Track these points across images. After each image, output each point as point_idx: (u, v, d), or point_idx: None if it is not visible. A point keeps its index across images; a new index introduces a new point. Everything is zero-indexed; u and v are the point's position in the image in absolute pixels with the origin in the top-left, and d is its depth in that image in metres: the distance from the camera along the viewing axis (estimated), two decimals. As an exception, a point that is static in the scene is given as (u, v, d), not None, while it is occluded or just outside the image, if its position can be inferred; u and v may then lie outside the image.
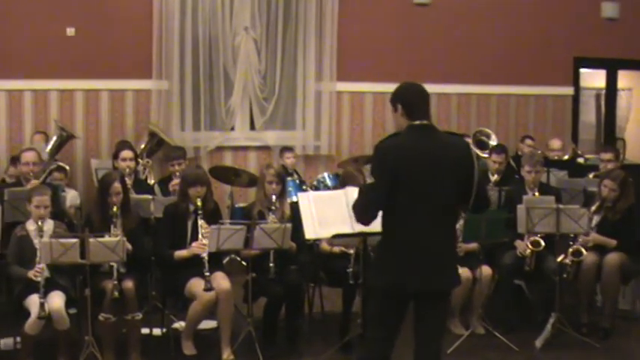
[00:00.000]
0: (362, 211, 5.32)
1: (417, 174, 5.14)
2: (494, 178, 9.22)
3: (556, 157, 10.41)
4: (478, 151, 10.10)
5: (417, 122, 5.21)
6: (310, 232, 6.83)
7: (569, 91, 12.44)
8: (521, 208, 7.68)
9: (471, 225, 7.64)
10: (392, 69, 11.01)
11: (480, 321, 7.96)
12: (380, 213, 5.26)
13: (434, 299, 5.29)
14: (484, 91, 11.99)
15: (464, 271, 7.82)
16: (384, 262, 5.34)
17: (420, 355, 5.39)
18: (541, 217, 7.59)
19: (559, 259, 7.83)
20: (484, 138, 10.55)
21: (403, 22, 11.54)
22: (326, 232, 6.75)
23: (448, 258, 5.35)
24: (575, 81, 12.56)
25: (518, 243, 8.05)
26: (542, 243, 7.88)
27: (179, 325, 7.79)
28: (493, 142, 10.45)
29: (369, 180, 5.30)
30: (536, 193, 8.26)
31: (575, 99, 12.61)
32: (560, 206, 7.65)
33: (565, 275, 7.80)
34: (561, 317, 7.66)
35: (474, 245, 7.93)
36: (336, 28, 11.19)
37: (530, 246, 7.91)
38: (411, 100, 5.26)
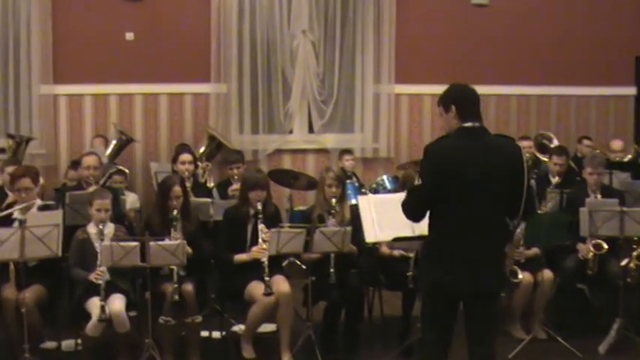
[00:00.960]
0: (409, 212, 5.40)
1: (465, 176, 5.13)
2: (555, 180, 9.09)
3: (617, 159, 10.25)
4: (539, 155, 10.02)
5: (469, 124, 5.21)
6: (371, 236, 6.80)
7: (631, 91, 12.23)
8: (583, 211, 7.56)
9: (532, 228, 7.53)
10: (450, 71, 10.92)
11: (541, 325, 7.85)
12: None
13: (481, 300, 5.31)
14: (544, 93, 11.84)
15: (525, 275, 7.76)
16: (431, 262, 5.37)
17: (474, 357, 5.40)
18: (604, 220, 7.46)
19: (623, 262, 7.69)
20: (545, 141, 10.42)
21: (461, 23, 11.45)
22: (386, 236, 6.71)
23: (496, 259, 5.34)
24: (637, 81, 12.34)
25: (580, 246, 7.92)
26: (605, 246, 7.76)
27: (238, 328, 7.80)
28: (554, 144, 10.31)
29: (417, 182, 5.36)
30: (599, 196, 8.13)
31: (638, 99, 12.38)
32: (624, 209, 7.52)
33: (629, 279, 7.67)
34: (626, 322, 7.53)
35: (535, 250, 7.85)
36: (394, 30, 11.14)
37: (592, 249, 7.79)
38: (464, 101, 5.25)
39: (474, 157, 5.15)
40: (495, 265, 5.33)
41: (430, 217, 5.31)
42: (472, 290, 5.23)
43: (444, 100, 5.30)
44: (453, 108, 5.23)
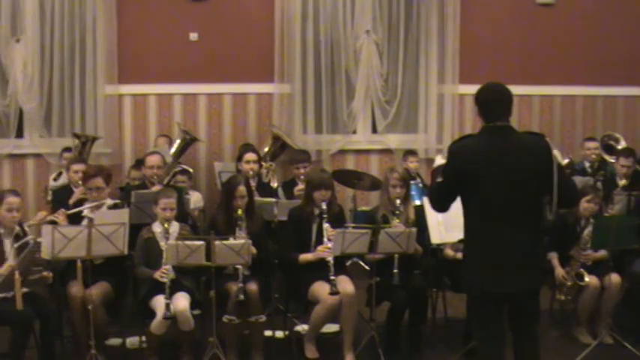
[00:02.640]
0: (433, 204, 5.74)
1: (490, 175, 5.25)
2: (622, 182, 8.98)
3: (688, 161, 10.09)
4: (606, 156, 9.88)
5: (491, 123, 5.33)
6: (436, 237, 6.78)
7: (703, 91, 12.02)
8: (653, 214, 7.47)
9: (599, 231, 7.44)
10: (515, 71, 10.85)
11: (608, 330, 7.74)
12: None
13: (524, 298, 5.43)
14: (610, 93, 11.65)
15: (592, 279, 7.67)
16: (469, 263, 5.50)
17: (519, 352, 5.54)
18: (674, 223, 7.36)
19: (693, 266, 7.58)
20: (612, 142, 10.28)
21: (526, 22, 11.32)
22: (452, 237, 6.68)
23: (530, 257, 5.39)
24: None
25: (649, 250, 7.82)
26: (675, 250, 7.65)
27: (302, 328, 7.80)
28: (622, 146, 10.17)
29: (439, 179, 5.54)
30: (670, 198, 8.02)
31: None
32: (696, 211, 7.41)
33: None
34: (695, 328, 7.42)
35: (602, 253, 7.74)
36: (458, 30, 11.05)
37: (661, 253, 7.68)
38: (486, 100, 5.39)
39: (497, 156, 5.27)
40: (530, 263, 5.39)
41: (464, 219, 5.46)
42: (508, 290, 5.35)
43: (474, 100, 5.47)
44: (477, 108, 5.41)
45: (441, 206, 5.63)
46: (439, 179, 5.56)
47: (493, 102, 5.36)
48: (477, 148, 5.33)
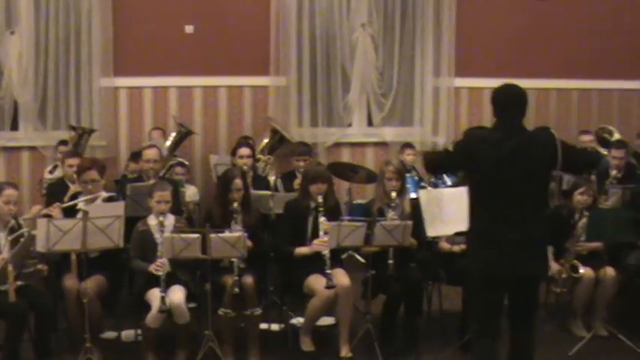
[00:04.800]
0: (430, 164, 6.17)
1: (495, 166, 5.42)
2: (613, 173, 8.97)
3: (682, 154, 10.10)
4: (600, 149, 9.89)
5: (502, 124, 5.58)
6: (432, 230, 6.79)
7: (698, 85, 12.04)
8: (648, 207, 7.48)
9: (595, 224, 7.45)
10: (511, 64, 10.85)
11: (603, 323, 7.77)
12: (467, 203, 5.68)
13: (526, 286, 5.58)
14: (605, 87, 11.67)
15: (586, 271, 7.68)
16: (473, 250, 5.67)
17: (515, 343, 5.66)
18: (669, 216, 7.38)
19: (688, 259, 7.60)
20: (607, 135, 10.27)
21: (522, 15, 11.30)
22: (447, 230, 6.69)
23: (534, 245, 5.55)
24: None
25: (643, 243, 7.84)
26: (670, 243, 7.66)
27: (297, 321, 7.80)
28: (615, 139, 10.17)
29: (449, 148, 5.62)
30: (664, 191, 8.03)
31: None
32: (691, 205, 7.42)
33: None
34: (689, 321, 7.44)
35: (597, 244, 7.74)
36: (454, 23, 11.04)
37: (656, 246, 7.69)
38: (499, 101, 5.64)
39: (506, 147, 5.45)
40: (534, 251, 5.54)
41: (470, 206, 5.63)
42: (511, 276, 5.48)
43: (491, 100, 5.68)
44: (493, 107, 5.65)
45: (436, 169, 6.23)
46: (449, 147, 5.77)
47: (507, 104, 5.60)
48: (486, 139, 5.54)
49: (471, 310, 5.85)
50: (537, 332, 5.70)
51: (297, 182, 8.80)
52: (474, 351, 5.76)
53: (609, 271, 7.72)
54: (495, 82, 10.87)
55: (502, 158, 5.43)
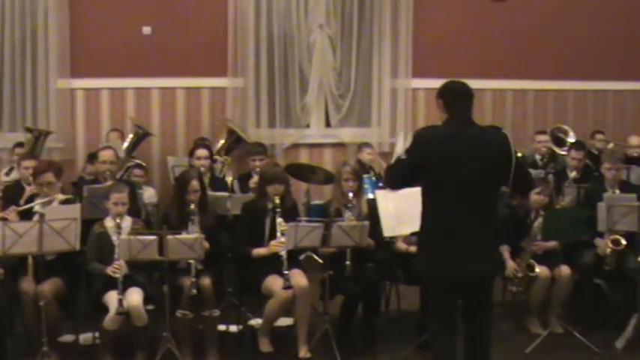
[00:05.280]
0: (388, 179, 6.04)
1: (447, 163, 5.41)
2: (572, 174, 9.06)
3: (635, 154, 10.22)
4: (556, 149, 10.01)
5: (455, 117, 5.53)
6: (388, 230, 6.80)
7: (647, 85, 12.21)
8: (601, 206, 7.56)
9: (550, 223, 7.53)
10: (468, 65, 10.90)
11: (558, 320, 7.85)
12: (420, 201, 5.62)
13: (475, 286, 5.56)
14: (561, 87, 11.80)
15: (542, 270, 7.76)
16: (424, 250, 5.64)
17: (470, 343, 5.65)
18: (622, 215, 7.47)
19: (640, 258, 7.69)
20: (562, 135, 10.39)
21: (479, 17, 11.39)
22: (403, 230, 6.72)
23: (485, 244, 5.53)
24: (655, 75, 12.32)
25: (598, 242, 7.92)
26: (623, 242, 7.74)
27: (255, 322, 7.82)
28: (571, 139, 10.28)
29: (403, 157, 5.67)
30: (617, 191, 8.12)
31: (655, 94, 12.37)
32: (643, 204, 7.51)
33: (647, 275, 7.66)
34: (643, 318, 7.52)
35: (553, 244, 7.82)
36: (412, 25, 11.10)
37: (610, 245, 7.77)
38: (449, 96, 5.59)
39: (457, 144, 5.43)
40: (485, 250, 5.52)
41: (422, 205, 5.60)
42: (463, 276, 5.46)
43: (436, 95, 5.63)
44: (441, 102, 5.59)
45: (395, 183, 5.91)
46: (402, 156, 5.69)
47: (458, 97, 5.58)
48: (441, 137, 5.50)
49: (427, 309, 5.86)
50: (492, 331, 5.71)
51: (252, 182, 8.79)
52: (433, 350, 5.77)
53: (565, 270, 7.79)
54: (452, 84, 10.96)
55: (458, 148, 5.41)
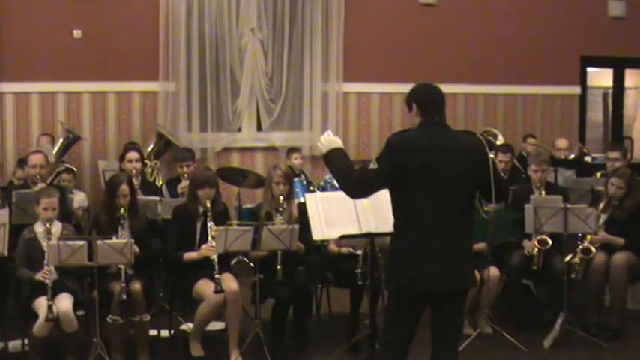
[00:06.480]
0: (352, 189, 5.43)
1: (426, 170, 5.16)
2: (500, 176, 9.17)
3: (563, 157, 10.38)
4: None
5: (429, 120, 5.29)
6: (318, 233, 6.79)
7: (576, 90, 12.46)
8: (528, 208, 7.67)
9: (478, 225, 7.57)
10: (398, 69, 11.02)
11: (487, 321, 7.94)
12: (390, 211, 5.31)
13: (448, 299, 5.29)
14: (491, 91, 11.98)
15: (471, 272, 7.83)
16: (396, 261, 5.31)
17: (437, 357, 5.41)
18: (548, 216, 7.57)
19: (567, 258, 7.79)
20: (491, 138, 10.47)
21: (409, 22, 11.53)
22: (333, 233, 6.72)
23: (462, 256, 5.29)
24: (582, 80, 12.57)
25: (525, 242, 8.03)
26: (549, 241, 7.86)
27: (187, 326, 7.80)
28: (500, 142, 10.41)
29: (373, 166, 5.33)
30: (543, 193, 8.24)
31: (582, 98, 12.61)
32: (568, 206, 7.61)
33: (573, 275, 7.77)
34: (570, 317, 7.64)
35: (481, 245, 7.87)
36: (343, 29, 11.20)
37: (537, 244, 7.88)
38: (424, 99, 5.34)
39: (434, 151, 5.20)
40: (461, 262, 5.28)
41: (394, 213, 5.32)
42: (437, 288, 5.22)
43: (407, 99, 5.41)
44: (414, 106, 5.34)
45: (362, 192, 5.47)
46: (372, 166, 5.40)
47: (430, 101, 5.34)
48: (416, 142, 5.26)
49: (385, 319, 5.53)
50: (459, 346, 5.62)
51: (180, 187, 8.78)
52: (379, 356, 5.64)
53: (493, 271, 7.87)
54: (382, 87, 11.14)
55: (437, 155, 5.17)
